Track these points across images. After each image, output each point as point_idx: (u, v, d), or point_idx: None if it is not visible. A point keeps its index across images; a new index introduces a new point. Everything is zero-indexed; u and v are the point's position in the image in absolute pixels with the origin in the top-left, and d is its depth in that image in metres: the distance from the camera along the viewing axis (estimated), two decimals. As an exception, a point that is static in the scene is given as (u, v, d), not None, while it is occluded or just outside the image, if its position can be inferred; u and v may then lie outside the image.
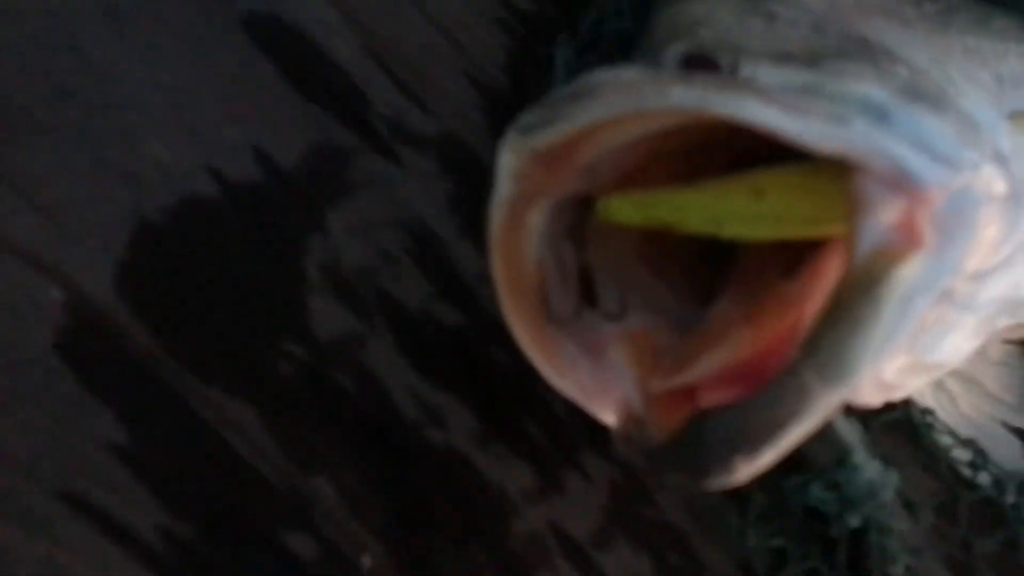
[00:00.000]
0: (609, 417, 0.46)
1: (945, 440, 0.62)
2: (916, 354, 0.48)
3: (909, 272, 0.39)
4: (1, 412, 0.45)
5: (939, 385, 0.60)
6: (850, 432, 0.54)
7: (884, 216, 0.40)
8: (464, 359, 0.53)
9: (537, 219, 0.44)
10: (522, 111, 0.44)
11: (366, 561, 0.48)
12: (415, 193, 0.56)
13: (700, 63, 0.45)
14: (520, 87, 0.63)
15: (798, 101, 0.41)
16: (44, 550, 0.43)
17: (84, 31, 0.52)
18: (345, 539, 0.48)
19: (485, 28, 0.63)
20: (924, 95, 0.47)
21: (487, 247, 0.44)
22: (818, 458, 0.54)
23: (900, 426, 0.62)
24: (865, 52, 0.50)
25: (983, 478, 0.62)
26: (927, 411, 0.61)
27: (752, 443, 0.38)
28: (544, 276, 0.45)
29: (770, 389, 0.39)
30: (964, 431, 0.62)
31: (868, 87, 0.45)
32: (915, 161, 0.40)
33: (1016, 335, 0.65)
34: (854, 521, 0.54)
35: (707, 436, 0.39)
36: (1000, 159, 0.49)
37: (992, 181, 0.45)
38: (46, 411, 0.45)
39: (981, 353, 0.61)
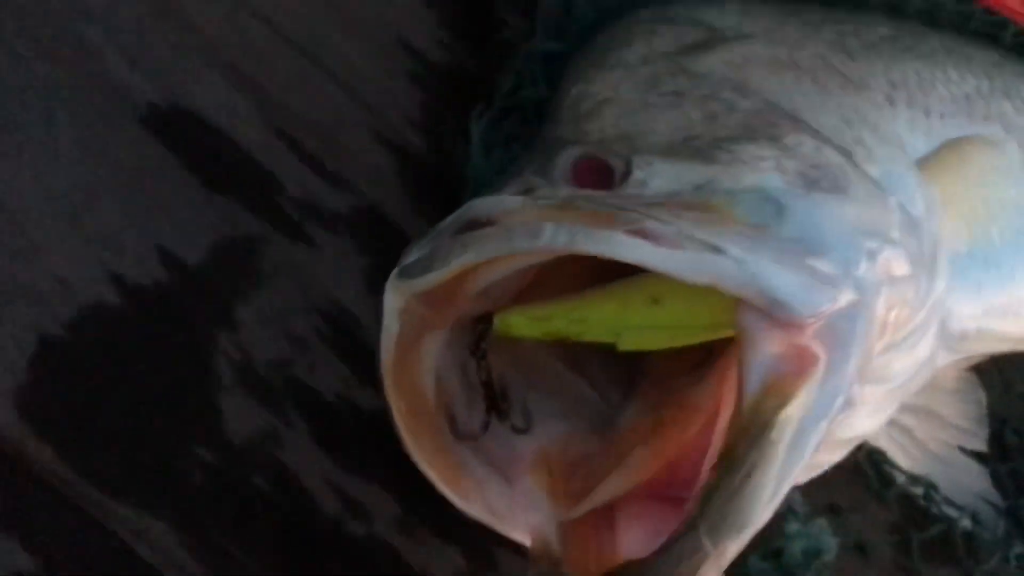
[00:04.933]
0: (523, 538, 0.45)
1: (899, 477, 0.62)
2: (830, 436, 0.47)
3: (797, 407, 0.39)
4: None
5: (893, 422, 0.59)
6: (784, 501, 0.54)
7: (767, 348, 0.39)
8: (385, 445, 0.53)
9: (432, 346, 0.43)
10: (410, 244, 0.44)
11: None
12: (329, 274, 0.56)
13: (592, 170, 0.44)
14: (437, 147, 0.62)
15: (668, 230, 0.40)
16: None
17: (-26, 146, 0.51)
18: (268, 647, 0.48)
19: (397, 86, 0.62)
20: (825, 175, 0.45)
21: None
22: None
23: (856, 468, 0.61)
24: (771, 123, 0.49)
25: (936, 510, 0.62)
26: (876, 452, 0.61)
27: None
28: (448, 396, 0.45)
29: (670, 547, 0.39)
30: (923, 462, 0.61)
31: (765, 176, 0.44)
32: (789, 290, 0.39)
33: (966, 364, 0.64)
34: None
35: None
36: (908, 226, 0.47)
37: (893, 265, 0.43)
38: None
39: (933, 384, 0.60)
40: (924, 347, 0.50)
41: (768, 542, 0.53)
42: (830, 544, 0.55)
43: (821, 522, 0.56)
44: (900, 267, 0.44)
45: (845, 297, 0.40)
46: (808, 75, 0.55)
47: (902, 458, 0.61)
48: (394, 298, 0.42)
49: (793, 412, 0.39)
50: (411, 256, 0.42)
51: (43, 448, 0.48)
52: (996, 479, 0.64)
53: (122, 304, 0.51)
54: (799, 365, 0.39)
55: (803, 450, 0.39)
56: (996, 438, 0.66)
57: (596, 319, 0.42)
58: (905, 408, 0.58)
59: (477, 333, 0.43)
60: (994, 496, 0.63)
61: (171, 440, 0.50)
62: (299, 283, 0.55)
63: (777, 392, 0.39)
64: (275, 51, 0.60)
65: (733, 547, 0.38)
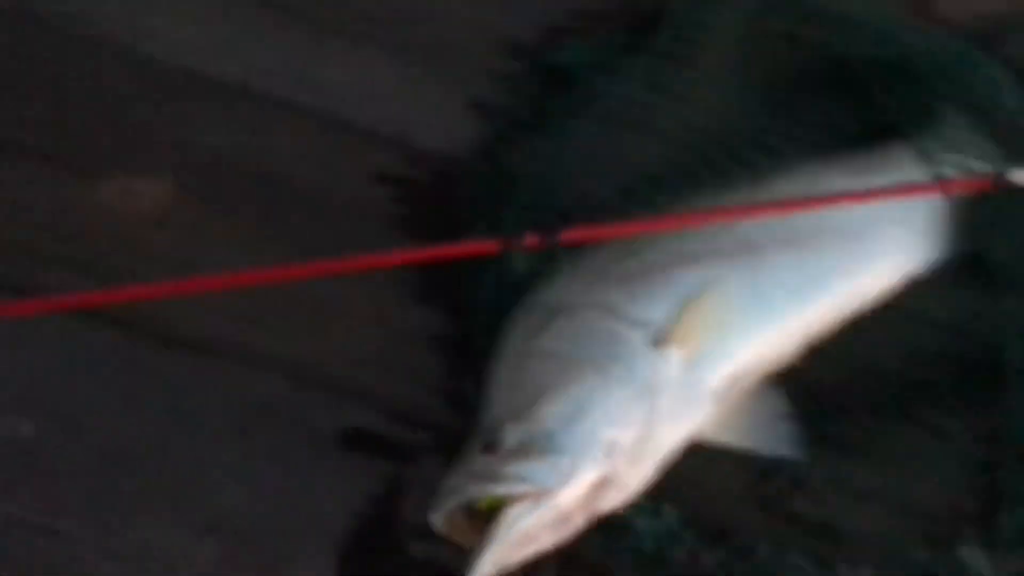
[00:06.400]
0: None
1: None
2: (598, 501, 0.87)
3: (508, 515, 0.83)
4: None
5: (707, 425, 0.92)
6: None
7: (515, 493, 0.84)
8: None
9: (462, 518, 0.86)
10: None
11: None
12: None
13: (489, 447, 0.88)
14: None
15: (481, 474, 0.85)
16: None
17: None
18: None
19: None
20: (578, 409, 0.88)
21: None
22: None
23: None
24: (562, 378, 0.90)
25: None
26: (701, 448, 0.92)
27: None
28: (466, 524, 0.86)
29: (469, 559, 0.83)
30: (740, 425, 0.93)
31: (547, 422, 0.87)
32: (535, 482, 0.84)
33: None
34: (650, 548, 0.92)
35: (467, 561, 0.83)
36: (631, 395, 0.89)
37: (603, 434, 0.87)
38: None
39: (750, 389, 0.94)
40: (667, 428, 0.90)
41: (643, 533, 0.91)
42: (669, 521, 0.91)
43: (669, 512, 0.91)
44: (611, 431, 0.87)
45: (556, 475, 0.84)
46: (586, 326, 0.94)
47: (729, 437, 0.92)
48: (438, 517, 0.85)
49: (504, 518, 0.83)
50: (437, 500, 0.85)
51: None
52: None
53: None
54: (522, 497, 0.82)
55: (509, 533, 0.82)
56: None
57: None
58: (714, 416, 0.92)
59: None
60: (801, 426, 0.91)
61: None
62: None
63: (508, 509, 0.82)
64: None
65: (475, 571, 0.82)
